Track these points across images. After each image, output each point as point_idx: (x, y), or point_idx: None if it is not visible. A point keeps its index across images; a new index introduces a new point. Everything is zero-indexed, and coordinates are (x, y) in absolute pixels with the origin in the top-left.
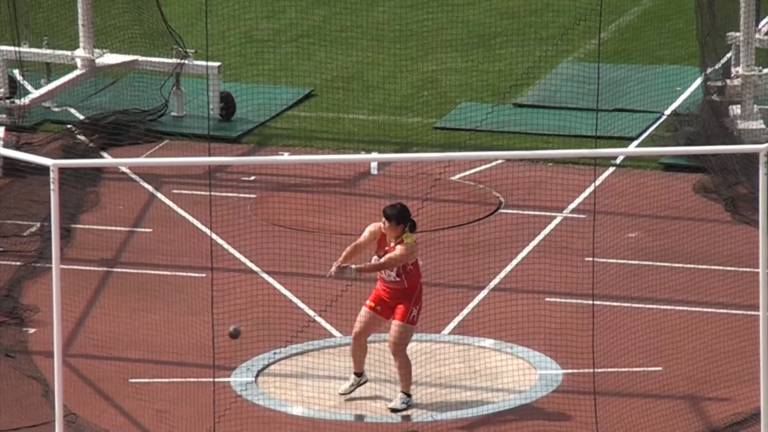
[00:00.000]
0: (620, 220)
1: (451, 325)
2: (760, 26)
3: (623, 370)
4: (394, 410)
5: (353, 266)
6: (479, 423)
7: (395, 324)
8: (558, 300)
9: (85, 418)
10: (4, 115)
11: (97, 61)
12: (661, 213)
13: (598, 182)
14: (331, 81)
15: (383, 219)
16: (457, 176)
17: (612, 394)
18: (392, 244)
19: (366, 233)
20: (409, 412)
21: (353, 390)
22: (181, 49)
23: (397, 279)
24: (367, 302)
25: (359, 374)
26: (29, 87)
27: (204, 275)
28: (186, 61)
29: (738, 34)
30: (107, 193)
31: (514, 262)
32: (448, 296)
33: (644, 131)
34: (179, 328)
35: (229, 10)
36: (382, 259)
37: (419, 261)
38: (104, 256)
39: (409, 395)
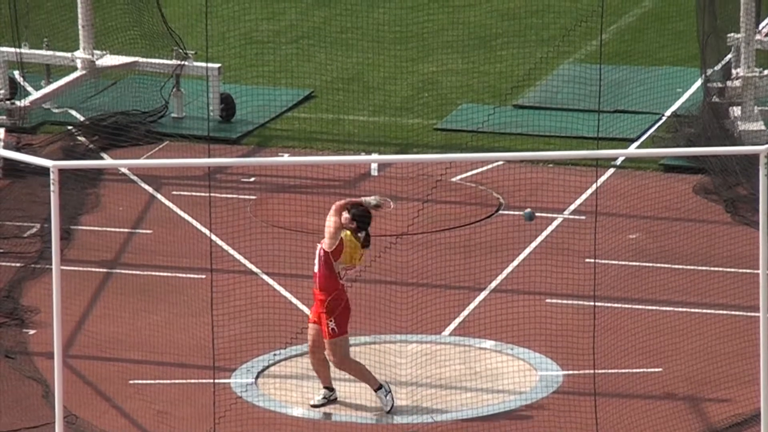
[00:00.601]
0: (621, 222)
1: (452, 327)
2: (760, 27)
3: (623, 371)
4: (388, 411)
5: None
6: (479, 424)
7: (324, 343)
8: (558, 301)
9: (86, 419)
10: (5, 117)
11: (97, 62)
12: (662, 214)
13: (598, 183)
14: (331, 82)
15: (351, 220)
16: (457, 177)
17: (612, 395)
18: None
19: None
20: (408, 412)
21: (324, 404)
22: (181, 50)
23: (315, 271)
24: (310, 317)
25: (329, 389)
26: (29, 88)
27: (204, 276)
28: (186, 63)
29: (738, 35)
30: (107, 195)
31: (515, 263)
32: (449, 297)
33: (645, 132)
34: (179, 330)
35: (229, 11)
36: (333, 214)
37: (345, 282)
38: (104, 257)
39: (380, 386)
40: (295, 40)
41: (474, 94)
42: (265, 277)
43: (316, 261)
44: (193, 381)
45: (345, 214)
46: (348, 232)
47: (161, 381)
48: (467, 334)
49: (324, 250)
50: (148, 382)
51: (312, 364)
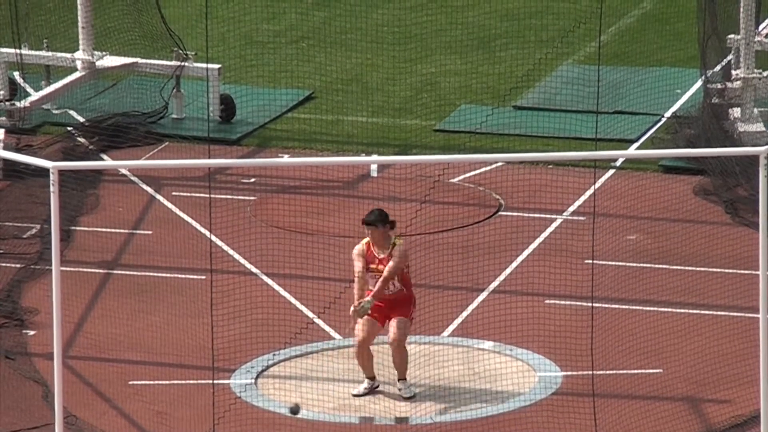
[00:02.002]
0: (620, 223)
1: (451, 327)
2: (760, 29)
3: (623, 372)
4: (410, 397)
5: (367, 299)
6: (479, 425)
7: (400, 320)
8: (558, 302)
9: (85, 420)
10: (5, 118)
11: (97, 63)
12: (661, 215)
13: (597, 185)
14: (331, 83)
15: (367, 230)
16: (457, 179)
17: (611, 396)
18: (384, 255)
19: (356, 261)
20: (407, 413)
21: (366, 394)
22: (181, 51)
23: (400, 288)
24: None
25: (372, 378)
26: (29, 89)
27: (204, 277)
28: (186, 64)
29: (738, 36)
30: (107, 196)
31: (514, 264)
32: (448, 298)
33: (644, 134)
34: (179, 330)
35: (229, 12)
36: (385, 272)
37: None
38: (104, 258)
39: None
40: (294, 40)
41: (473, 95)
42: (264, 277)
43: (390, 286)
44: (192, 382)
45: (374, 231)
46: (398, 240)
47: (161, 382)
48: (467, 334)
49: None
50: (148, 382)
51: (358, 357)
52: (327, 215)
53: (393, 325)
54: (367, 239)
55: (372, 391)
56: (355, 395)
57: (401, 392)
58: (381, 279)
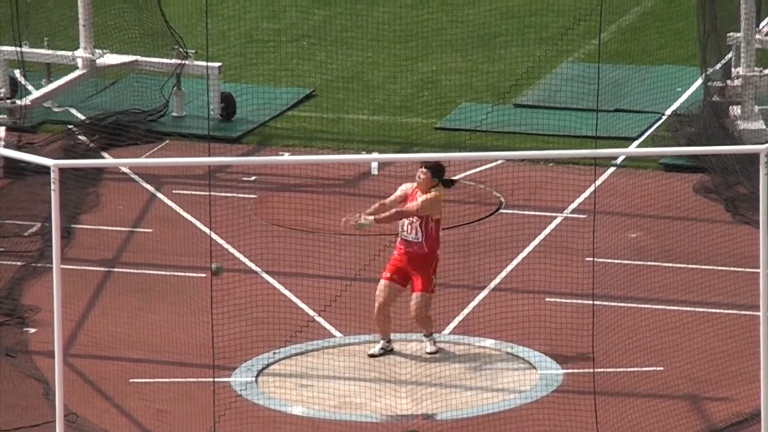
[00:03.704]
0: (620, 221)
1: (452, 325)
2: (760, 27)
3: (624, 370)
4: (431, 353)
5: (370, 218)
6: (480, 422)
7: (416, 296)
8: (558, 300)
9: (86, 417)
10: (5, 116)
11: (97, 61)
12: (662, 213)
13: (598, 182)
14: (332, 81)
15: (420, 173)
16: (457, 176)
17: (612, 394)
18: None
19: (398, 192)
20: (408, 411)
21: (381, 354)
22: (181, 49)
23: (418, 240)
24: (385, 274)
25: (388, 340)
26: (30, 87)
27: (204, 275)
28: (186, 62)
29: (738, 34)
30: (108, 194)
31: (515, 262)
32: (449, 296)
33: (645, 132)
34: (179, 328)
35: (229, 10)
36: (404, 207)
37: (441, 230)
38: (104, 256)
39: (432, 334)
40: (295, 38)
41: (474, 93)
42: (265, 275)
43: (413, 231)
44: (193, 380)
45: (424, 174)
46: (436, 190)
47: (161, 380)
48: (467, 332)
49: (431, 218)
50: (148, 380)
51: (377, 320)
52: (327, 213)
53: (411, 302)
54: (415, 184)
55: (386, 352)
56: (370, 355)
57: (425, 347)
58: (395, 209)
